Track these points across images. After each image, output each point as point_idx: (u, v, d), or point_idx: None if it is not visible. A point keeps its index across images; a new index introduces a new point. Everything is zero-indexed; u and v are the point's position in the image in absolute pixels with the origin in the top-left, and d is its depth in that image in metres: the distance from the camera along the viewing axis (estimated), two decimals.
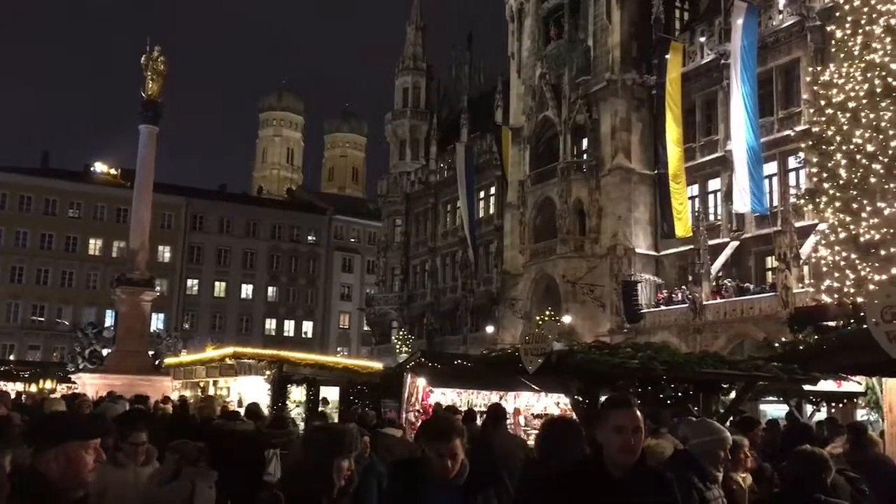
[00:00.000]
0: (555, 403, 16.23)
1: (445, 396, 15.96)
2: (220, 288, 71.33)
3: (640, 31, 36.87)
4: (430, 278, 51.33)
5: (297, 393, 18.14)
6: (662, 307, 32.76)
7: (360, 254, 76.34)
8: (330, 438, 3.63)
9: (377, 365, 21.22)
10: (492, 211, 46.85)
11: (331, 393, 18.43)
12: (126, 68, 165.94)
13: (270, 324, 73.03)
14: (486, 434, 9.25)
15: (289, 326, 73.77)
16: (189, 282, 69.94)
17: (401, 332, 49.83)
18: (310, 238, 75.17)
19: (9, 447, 3.82)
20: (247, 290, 72.43)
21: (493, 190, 46.61)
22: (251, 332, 69.05)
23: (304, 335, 73.37)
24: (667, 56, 33.92)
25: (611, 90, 36.45)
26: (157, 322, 52.36)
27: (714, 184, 33.66)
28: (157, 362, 28.59)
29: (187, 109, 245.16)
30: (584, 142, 37.95)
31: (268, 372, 17.80)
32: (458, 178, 45.94)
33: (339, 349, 68.55)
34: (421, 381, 15.93)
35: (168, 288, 64.47)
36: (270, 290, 73.46)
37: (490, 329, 41.86)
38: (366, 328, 63.92)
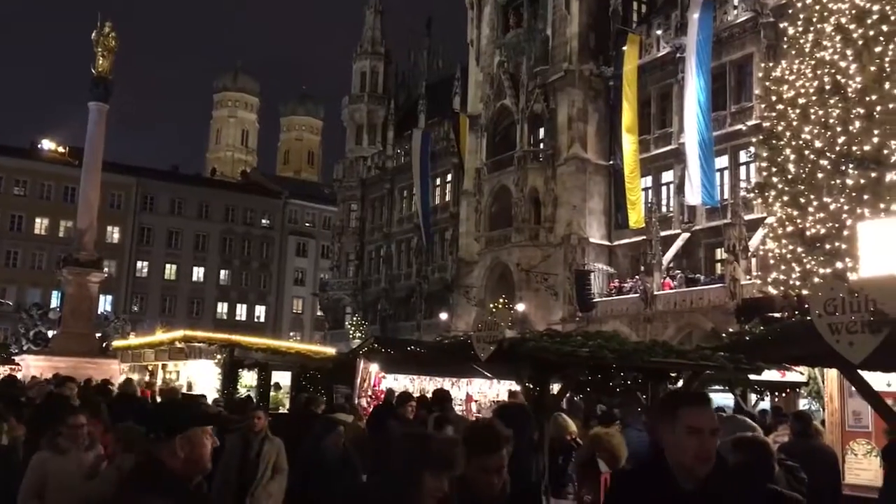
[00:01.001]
0: (507, 390, 16.35)
1: (398, 382, 15.99)
2: (170, 270, 70.21)
3: (598, 22, 37.14)
4: (385, 264, 51.22)
5: (249, 377, 17.98)
6: (615, 296, 33.19)
7: (315, 238, 75.82)
8: (417, 448, 2.82)
9: (330, 350, 21.16)
10: (448, 198, 46.85)
11: (283, 378, 18.33)
12: (77, 44, 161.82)
13: (222, 307, 72.22)
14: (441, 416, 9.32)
15: (241, 310, 73.03)
16: (139, 263, 68.70)
17: (354, 318, 49.73)
18: (264, 221, 74.38)
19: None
20: (198, 273, 71.42)
21: (449, 177, 46.61)
22: (202, 315, 68.14)
23: (256, 319, 72.74)
24: (624, 48, 34.22)
25: (568, 80, 36.67)
26: (104, 304, 51.19)
27: (667, 176, 34.12)
28: (104, 345, 28.04)
29: (140, 88, 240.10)
30: (541, 131, 38.15)
31: (218, 356, 17.62)
32: (413, 165, 45.85)
33: (291, 334, 68.10)
34: (374, 367, 15.92)
35: (117, 269, 63.28)
36: (223, 273, 72.59)
37: (444, 316, 41.97)
38: (319, 313, 63.64)
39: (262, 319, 73.21)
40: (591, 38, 37.22)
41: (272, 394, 18.02)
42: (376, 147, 55.83)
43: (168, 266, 70.07)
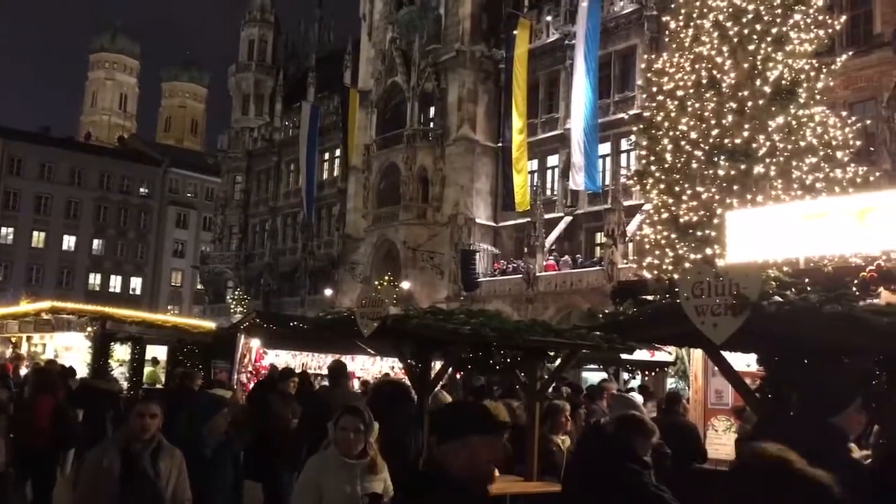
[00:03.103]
0: (389, 367, 16.43)
1: (280, 358, 15.80)
2: (38, 238, 66.53)
3: (491, 4, 37.45)
4: (270, 238, 50.28)
5: (122, 352, 17.29)
6: (498, 277, 33.79)
7: (197, 209, 73.45)
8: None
9: (210, 324, 20.61)
10: (336, 173, 46.32)
11: (158, 352, 17.73)
12: None
13: (95, 278, 69.10)
14: (325, 390, 9.29)
15: (115, 282, 70.10)
16: (3, 230, 64.91)
17: (236, 292, 48.71)
18: (142, 190, 71.42)
19: None
20: (69, 242, 67.97)
21: (338, 152, 46.03)
22: (73, 286, 64.95)
23: (132, 292, 70.02)
24: (515, 32, 34.58)
25: (459, 61, 36.83)
26: None
27: (553, 160, 34.90)
28: None
29: (6, 45, 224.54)
30: (432, 110, 38.21)
31: (89, 329, 16.83)
32: (300, 138, 45.04)
33: (169, 307, 65.77)
34: (255, 343, 15.65)
35: None
36: (96, 242, 69.40)
37: (329, 292, 41.62)
38: (199, 287, 61.88)
39: (137, 292, 70.50)
40: (483, 20, 37.49)
41: (147, 369, 17.43)
42: (263, 118, 54.56)
43: (36, 233, 66.41)
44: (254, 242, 52.43)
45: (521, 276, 31.65)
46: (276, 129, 51.83)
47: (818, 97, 15.24)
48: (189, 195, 74.40)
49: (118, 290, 69.01)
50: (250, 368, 15.21)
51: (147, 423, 4.87)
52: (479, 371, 9.28)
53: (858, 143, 15.43)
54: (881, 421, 4.98)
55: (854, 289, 6.25)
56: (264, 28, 57.05)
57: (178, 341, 17.34)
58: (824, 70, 15.25)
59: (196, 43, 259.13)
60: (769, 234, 8.52)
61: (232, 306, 45.95)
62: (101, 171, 69.48)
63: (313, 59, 51.26)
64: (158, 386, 16.45)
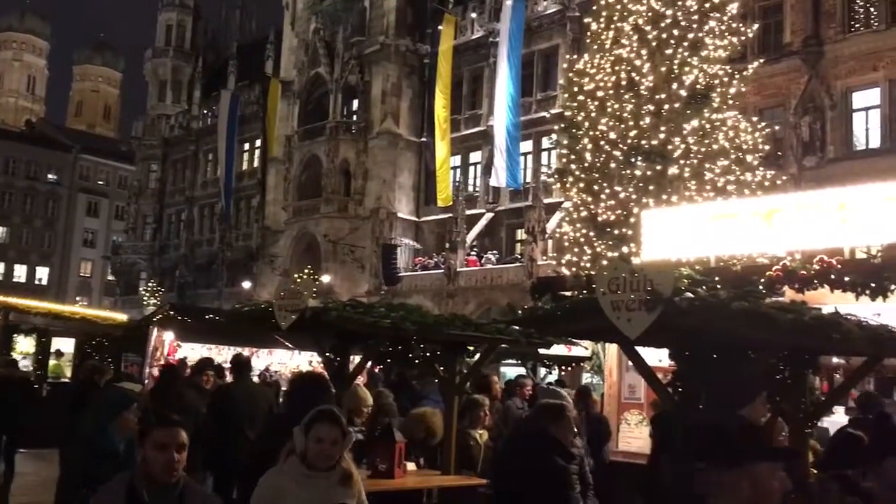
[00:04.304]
0: (308, 361, 16.26)
1: (195, 352, 15.45)
2: None
3: None
4: (186, 229, 49.05)
5: (25, 343, 16.61)
6: (420, 271, 33.81)
7: (109, 198, 71.03)
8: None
9: (121, 317, 20.02)
10: (256, 164, 45.49)
11: (65, 345, 17.09)
12: None
13: None
14: (230, 385, 9.10)
15: (20, 271, 67.26)
16: None
17: (150, 284, 47.38)
18: (50, 176, 68.63)
19: None
20: None
21: (258, 143, 45.19)
22: None
23: (38, 282, 67.32)
24: (440, 27, 34.61)
25: (384, 54, 36.66)
26: None
27: (475, 156, 35.10)
28: None
29: None
30: (355, 103, 37.95)
31: None
32: (219, 127, 44.04)
33: (78, 299, 63.44)
34: (168, 336, 15.28)
35: None
36: (0, 230, 66.39)
37: (247, 285, 40.87)
38: (111, 278, 59.92)
39: (44, 282, 67.79)
40: (408, 14, 37.40)
41: (52, 362, 16.79)
42: (181, 106, 53.14)
43: None
44: (169, 233, 51.06)
45: (442, 271, 31.76)
46: (195, 117, 50.55)
47: (731, 102, 15.80)
48: (101, 183, 71.88)
49: (23, 279, 66.33)
50: (163, 362, 14.82)
51: (173, 460, 3.45)
52: (398, 365, 9.26)
53: (767, 147, 16.07)
54: (784, 414, 5.19)
55: (761, 287, 6.50)
56: (183, 13, 55.53)
57: (87, 334, 16.77)
58: (737, 76, 15.81)
59: (111, 26, 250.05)
60: (682, 234, 8.78)
61: (145, 298, 44.68)
62: (5, 155, 66.55)
63: (234, 46, 50.15)
64: (64, 380, 15.86)
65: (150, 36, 56.50)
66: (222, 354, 15.42)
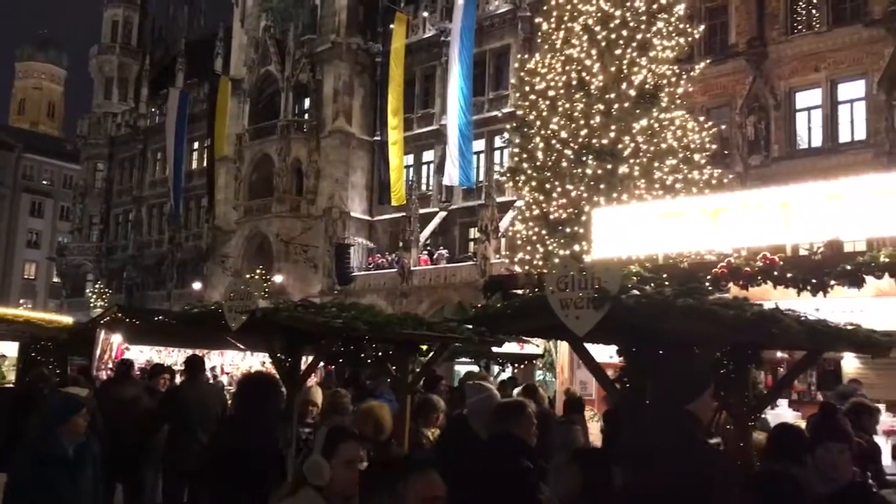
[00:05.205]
0: (260, 363, 16.09)
1: (143, 354, 15.21)
2: None
3: None
4: (134, 229, 48.16)
5: None
6: (373, 271, 33.71)
7: (53, 198, 69.37)
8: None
9: (66, 319, 19.50)
10: (206, 163, 44.81)
11: (8, 349, 16.61)
12: None
13: None
14: (181, 386, 8.99)
15: None
16: None
17: (97, 286, 46.46)
18: None
19: None
20: None
21: (208, 141, 44.55)
22: None
23: None
24: (392, 26, 34.53)
25: (335, 52, 36.46)
26: None
27: (428, 155, 35.12)
28: None
29: None
30: (307, 101, 37.68)
31: None
32: (167, 126, 43.29)
33: (22, 301, 61.79)
34: (116, 338, 15.01)
35: None
36: None
37: (197, 286, 40.24)
38: (56, 280, 58.46)
39: None
40: (359, 12, 37.25)
41: None
42: (128, 104, 52.19)
43: None
44: (116, 234, 50.08)
45: (395, 270, 31.71)
46: (142, 115, 49.65)
47: (678, 102, 16.07)
48: (45, 182, 70.17)
49: None
50: (111, 365, 14.54)
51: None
52: (350, 365, 9.23)
53: (714, 146, 16.40)
54: (728, 407, 5.30)
55: (707, 283, 6.64)
56: (129, 9, 54.51)
57: (32, 337, 16.33)
58: (684, 76, 16.10)
59: (54, 21, 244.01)
60: (632, 231, 8.92)
61: (92, 300, 43.78)
62: None
63: (182, 43, 49.38)
64: (7, 385, 15.43)
65: (96, 32, 55.32)
66: (172, 357, 15.23)
